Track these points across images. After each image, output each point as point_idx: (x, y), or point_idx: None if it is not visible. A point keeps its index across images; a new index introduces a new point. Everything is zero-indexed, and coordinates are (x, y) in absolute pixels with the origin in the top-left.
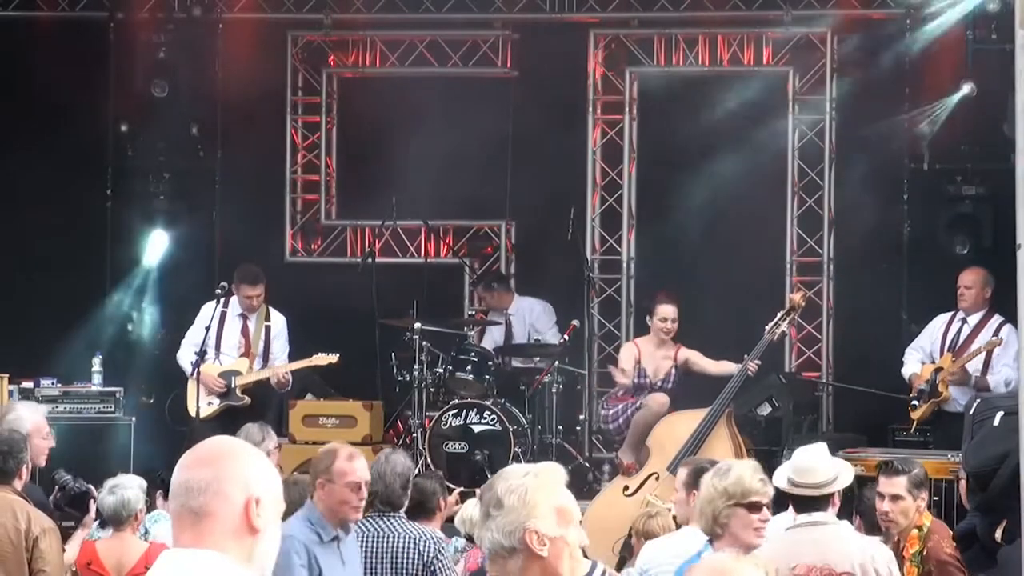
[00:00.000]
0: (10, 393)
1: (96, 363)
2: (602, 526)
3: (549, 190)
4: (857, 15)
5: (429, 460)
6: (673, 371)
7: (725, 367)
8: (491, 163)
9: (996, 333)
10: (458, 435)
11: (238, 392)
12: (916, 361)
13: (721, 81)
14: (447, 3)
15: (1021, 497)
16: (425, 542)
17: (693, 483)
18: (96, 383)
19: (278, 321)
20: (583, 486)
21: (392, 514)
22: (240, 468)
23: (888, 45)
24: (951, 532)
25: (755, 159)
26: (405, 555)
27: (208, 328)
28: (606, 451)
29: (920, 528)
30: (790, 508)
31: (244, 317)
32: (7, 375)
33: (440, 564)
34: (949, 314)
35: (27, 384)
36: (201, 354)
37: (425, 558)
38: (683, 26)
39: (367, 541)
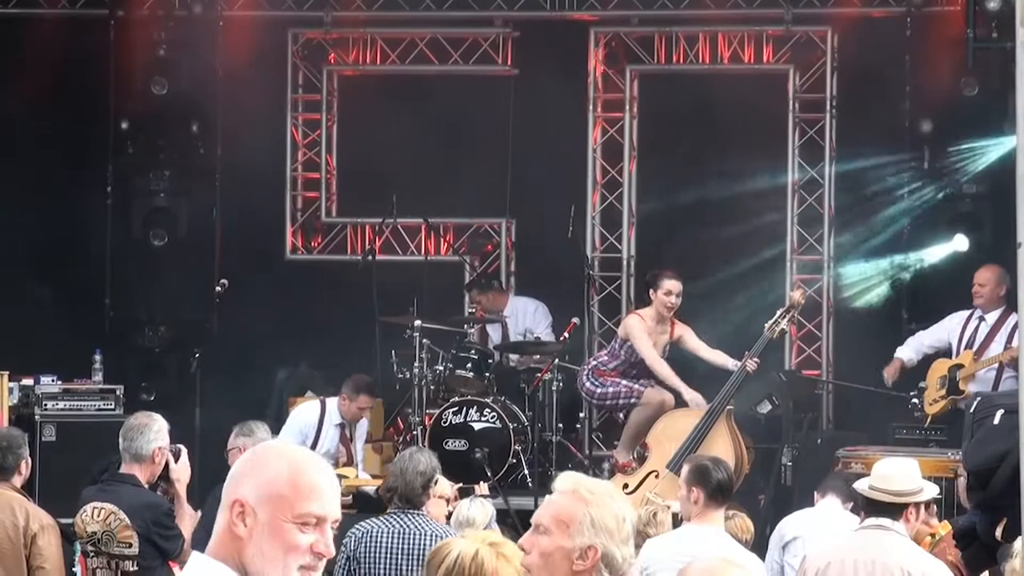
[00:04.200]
0: (10, 390)
1: (96, 360)
2: None
3: (549, 188)
4: (857, 13)
5: None
6: (667, 347)
7: (719, 357)
8: (491, 161)
9: (1013, 334)
10: (458, 432)
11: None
12: (911, 349)
13: (721, 79)
14: (447, 1)
15: (1021, 495)
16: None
17: (695, 480)
18: (96, 380)
19: (363, 425)
20: None
21: (413, 511)
22: (239, 468)
23: (888, 43)
24: None
25: (755, 157)
26: None
27: (305, 435)
28: (606, 449)
29: (934, 536)
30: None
31: (343, 426)
32: (7, 372)
33: None
34: (967, 312)
35: (27, 381)
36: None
37: None
38: (683, 24)
39: (392, 538)
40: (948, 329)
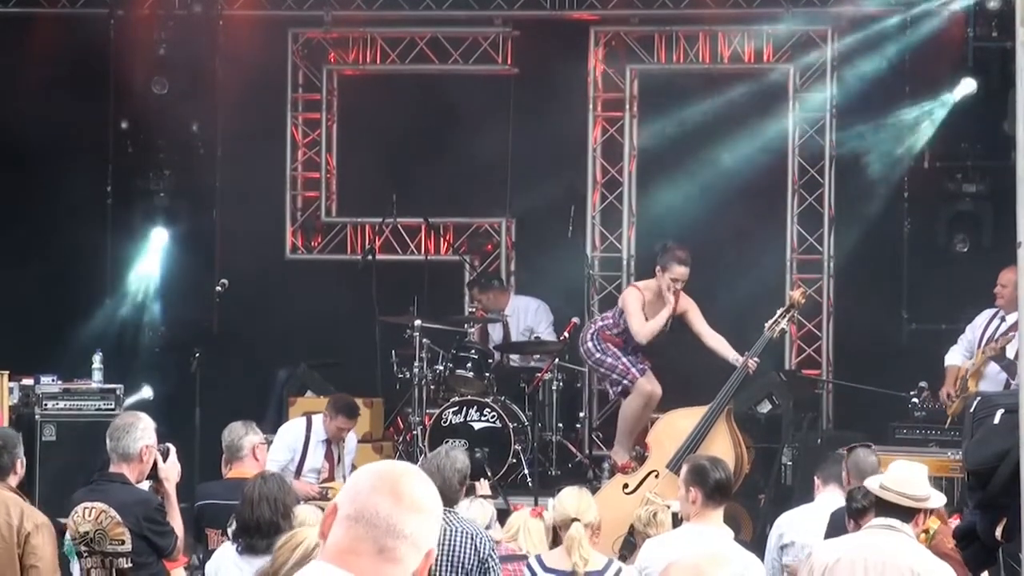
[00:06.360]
0: (10, 390)
1: (96, 360)
2: (602, 525)
3: (549, 187)
4: (857, 12)
5: None
6: (670, 320)
7: (721, 344)
8: (491, 160)
9: None
10: (458, 432)
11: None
12: (958, 354)
13: (721, 78)
14: (447, 0)
15: (1021, 495)
16: (481, 539)
17: (693, 480)
18: (96, 380)
19: (352, 441)
20: (583, 484)
21: (448, 509)
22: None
23: (888, 42)
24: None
25: (755, 157)
26: (462, 550)
27: (294, 451)
28: (606, 449)
29: (927, 532)
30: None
31: (328, 443)
32: (7, 372)
33: (493, 562)
34: (992, 311)
35: (27, 381)
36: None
37: (481, 554)
38: (683, 23)
39: None
40: (974, 328)
